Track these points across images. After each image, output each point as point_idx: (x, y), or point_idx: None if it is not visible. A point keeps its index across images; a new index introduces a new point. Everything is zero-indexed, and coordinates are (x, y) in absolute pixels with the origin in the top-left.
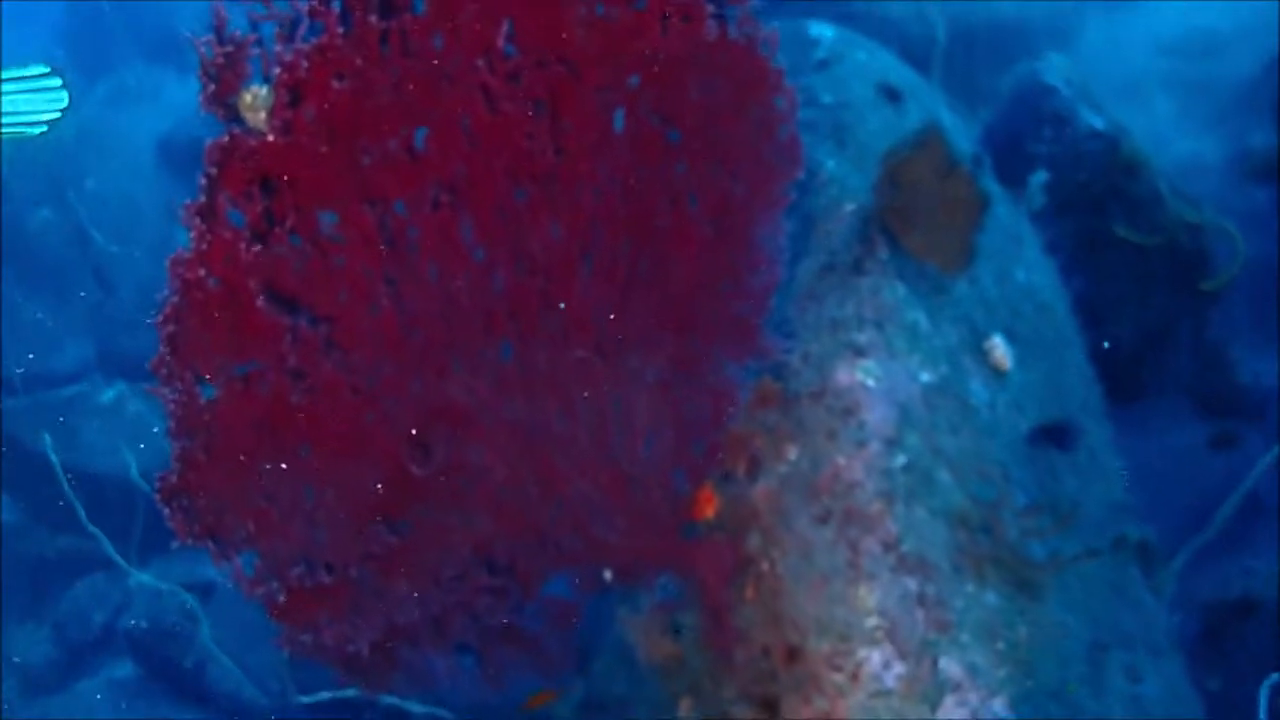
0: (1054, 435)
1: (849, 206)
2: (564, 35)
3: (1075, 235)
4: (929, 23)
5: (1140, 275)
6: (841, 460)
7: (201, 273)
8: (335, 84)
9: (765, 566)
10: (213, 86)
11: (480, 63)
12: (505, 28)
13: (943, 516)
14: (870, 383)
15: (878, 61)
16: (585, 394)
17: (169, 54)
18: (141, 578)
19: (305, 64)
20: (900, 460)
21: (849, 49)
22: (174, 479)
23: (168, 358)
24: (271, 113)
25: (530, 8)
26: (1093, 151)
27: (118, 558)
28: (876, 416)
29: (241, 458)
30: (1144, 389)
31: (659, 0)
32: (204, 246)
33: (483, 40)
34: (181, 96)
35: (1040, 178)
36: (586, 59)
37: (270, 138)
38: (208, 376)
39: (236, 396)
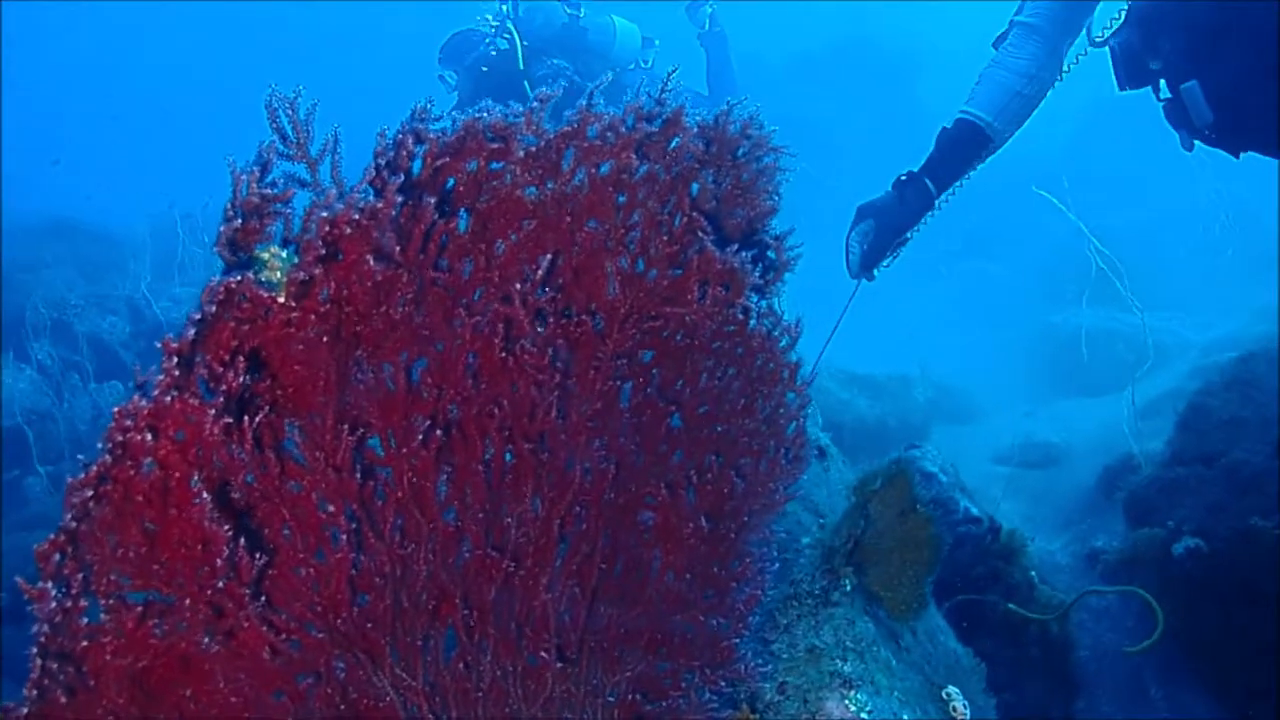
0: None
1: (805, 540)
2: (598, 285)
3: (957, 614)
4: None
5: (1014, 659)
6: None
7: (147, 438)
8: (370, 263)
9: None
10: (238, 224)
11: (516, 289)
12: (546, 263)
13: None
14: (865, 716)
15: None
16: (533, 714)
17: (9, 341)
18: None
19: (355, 220)
20: None
21: None
22: (23, 715)
23: (64, 543)
24: (291, 272)
25: (570, 246)
26: (971, 535)
27: None
28: None
29: None
30: None
31: (703, 265)
32: (167, 400)
33: (516, 271)
34: (9, 385)
35: None
36: (614, 317)
37: (281, 299)
38: (99, 588)
39: (123, 629)
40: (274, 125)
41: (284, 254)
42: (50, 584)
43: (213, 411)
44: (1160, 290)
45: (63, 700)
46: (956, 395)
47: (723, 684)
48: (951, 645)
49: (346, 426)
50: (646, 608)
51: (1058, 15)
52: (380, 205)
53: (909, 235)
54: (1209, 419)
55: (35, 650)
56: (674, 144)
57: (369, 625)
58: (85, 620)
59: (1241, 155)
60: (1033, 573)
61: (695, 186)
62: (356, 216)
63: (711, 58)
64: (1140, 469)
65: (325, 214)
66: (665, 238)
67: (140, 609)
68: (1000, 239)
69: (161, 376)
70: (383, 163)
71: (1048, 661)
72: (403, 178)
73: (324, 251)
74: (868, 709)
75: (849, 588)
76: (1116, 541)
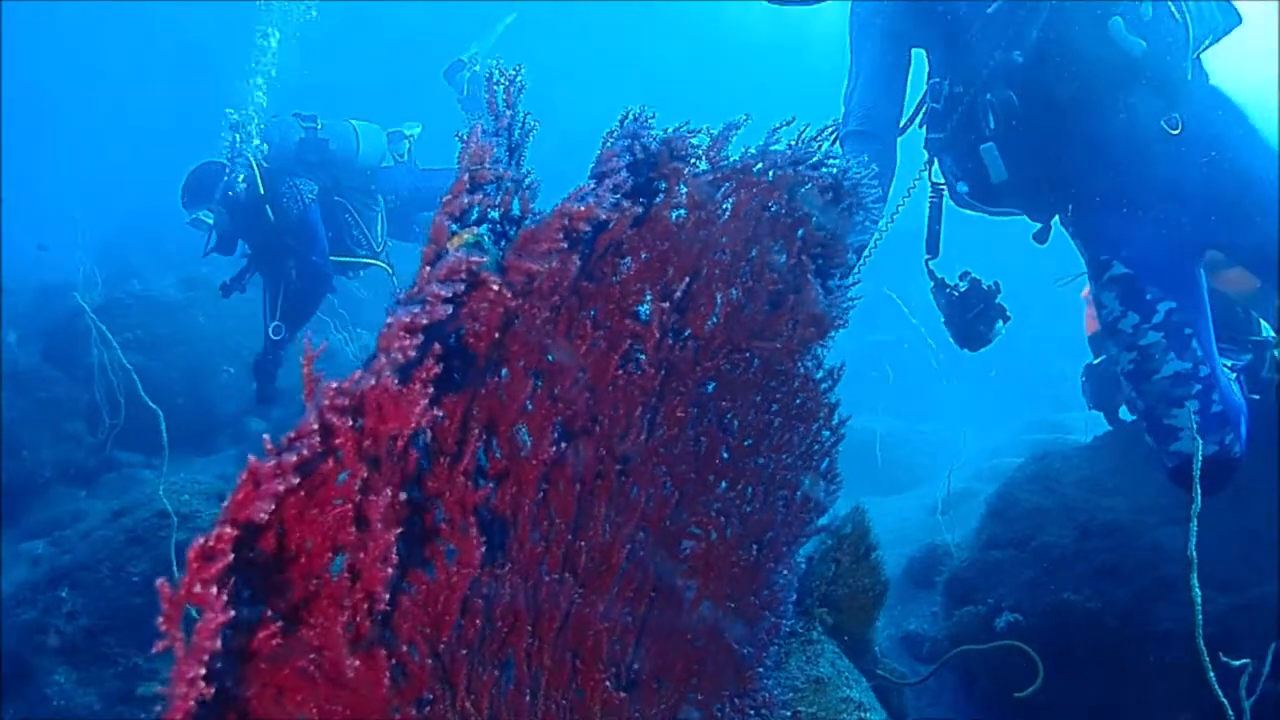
0: None
1: None
2: (701, 314)
3: None
4: None
5: None
6: None
7: (348, 422)
8: (576, 262)
9: None
10: (478, 196)
11: (657, 308)
12: (683, 286)
13: None
14: None
15: None
16: None
17: None
18: None
19: (599, 219)
20: None
21: None
22: None
23: (231, 539)
24: (512, 259)
25: (692, 273)
26: None
27: None
28: None
29: None
30: None
31: (799, 305)
32: (393, 383)
33: (637, 290)
34: None
35: None
36: (708, 346)
37: (495, 286)
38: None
39: (246, 650)
40: (490, 102)
41: (488, 238)
42: (215, 589)
43: (424, 402)
44: (934, 402)
45: None
46: None
47: (750, 713)
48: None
49: (477, 430)
50: (682, 637)
51: (883, 115)
52: (620, 210)
53: None
54: (1017, 508)
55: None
56: (805, 188)
57: (463, 652)
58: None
59: (1002, 216)
60: (876, 648)
61: (800, 230)
62: (603, 216)
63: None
64: (951, 556)
65: (575, 205)
66: (774, 275)
67: (272, 629)
68: None
69: (395, 355)
70: (619, 164)
71: None
72: (626, 179)
73: (564, 244)
74: None
75: (822, 628)
76: (928, 624)
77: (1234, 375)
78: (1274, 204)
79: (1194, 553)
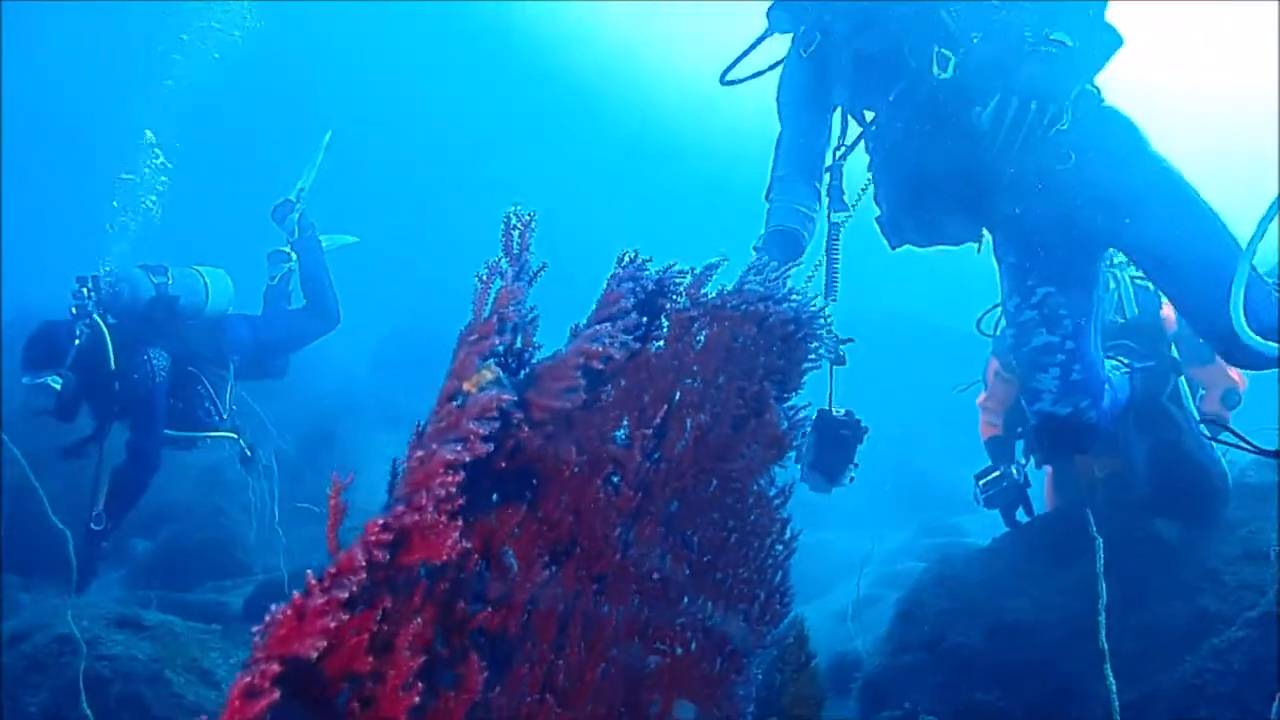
0: None
1: None
2: (673, 438)
3: None
4: None
5: None
6: None
7: (385, 556)
8: (583, 395)
9: None
10: (509, 338)
11: (639, 434)
12: (661, 413)
13: None
14: None
15: None
16: None
17: None
18: None
19: (611, 357)
20: None
21: None
22: None
23: (277, 669)
24: (535, 395)
25: (666, 400)
26: None
27: None
28: None
29: None
30: None
31: (760, 429)
32: (430, 518)
33: (615, 417)
34: None
35: None
36: (677, 468)
37: (516, 422)
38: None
39: None
40: (506, 245)
41: (489, 375)
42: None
43: (455, 534)
44: (832, 509)
45: None
46: None
47: None
48: None
49: (475, 556)
50: None
51: (804, 161)
52: (623, 351)
53: None
54: (924, 610)
55: None
56: (769, 321)
57: None
58: None
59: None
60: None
61: (762, 358)
62: (616, 355)
63: (304, 264)
64: (863, 663)
65: (592, 345)
66: (739, 402)
67: None
68: None
69: (438, 491)
70: (628, 305)
71: None
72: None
73: (581, 380)
74: None
75: None
76: None
77: (1125, 369)
78: (1158, 209)
79: (1105, 644)
